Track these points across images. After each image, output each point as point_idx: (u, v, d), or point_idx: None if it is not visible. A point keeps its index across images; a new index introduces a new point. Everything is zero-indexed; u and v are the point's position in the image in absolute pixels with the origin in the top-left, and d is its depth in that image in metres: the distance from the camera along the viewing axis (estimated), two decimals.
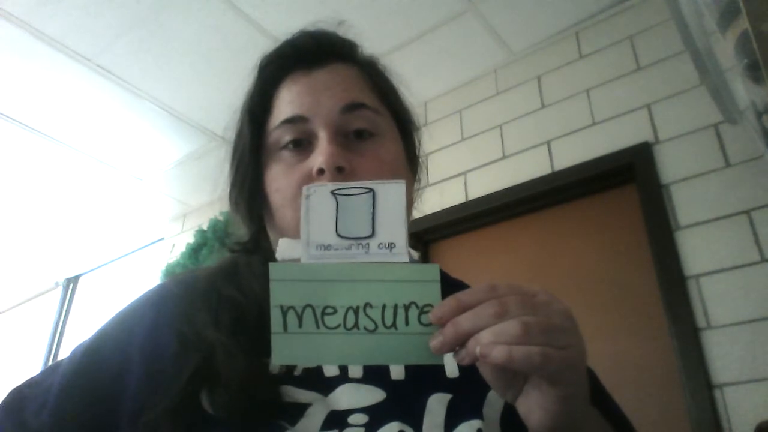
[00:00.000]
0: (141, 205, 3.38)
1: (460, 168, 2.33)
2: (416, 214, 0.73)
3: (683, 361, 1.58)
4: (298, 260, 0.46)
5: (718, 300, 1.61)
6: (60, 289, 4.05)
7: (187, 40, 2.25)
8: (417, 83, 2.44)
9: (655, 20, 2.05)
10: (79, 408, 0.54)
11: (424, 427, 0.53)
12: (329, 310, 0.44)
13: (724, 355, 1.54)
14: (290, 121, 0.62)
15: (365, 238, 0.45)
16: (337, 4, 2.06)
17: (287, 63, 0.66)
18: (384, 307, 0.44)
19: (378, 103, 0.65)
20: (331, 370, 0.56)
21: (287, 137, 0.62)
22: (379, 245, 0.45)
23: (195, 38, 2.25)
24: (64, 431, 0.53)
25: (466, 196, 2.26)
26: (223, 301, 0.59)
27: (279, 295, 0.44)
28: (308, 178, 0.58)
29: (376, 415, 0.53)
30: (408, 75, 0.74)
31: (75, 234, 3.62)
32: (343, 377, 0.55)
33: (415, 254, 0.49)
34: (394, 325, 0.44)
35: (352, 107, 0.62)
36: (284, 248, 0.53)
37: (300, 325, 0.43)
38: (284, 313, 0.43)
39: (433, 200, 2.24)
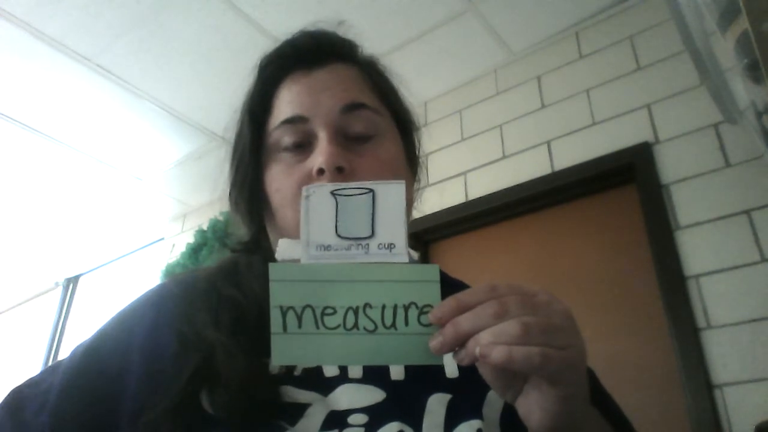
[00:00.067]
0: (141, 205, 3.38)
1: (460, 168, 2.33)
2: (416, 214, 0.73)
3: (683, 361, 1.58)
4: (297, 260, 0.46)
5: (718, 300, 1.61)
6: (60, 289, 4.05)
7: (187, 40, 2.25)
8: (417, 83, 2.44)
9: (655, 20, 2.05)
10: (79, 408, 0.54)
11: (423, 427, 0.53)
12: (329, 311, 0.44)
13: (724, 355, 1.54)
14: (290, 121, 0.62)
15: (365, 238, 0.45)
16: (337, 4, 2.06)
17: (287, 63, 0.66)
18: (384, 307, 0.44)
19: (378, 103, 0.65)
20: (330, 371, 0.56)
21: (287, 137, 0.62)
22: (378, 245, 0.45)
23: (195, 38, 2.25)
24: (64, 431, 0.53)
25: (466, 196, 2.26)
26: (223, 301, 0.59)
27: (279, 295, 0.44)
28: (308, 178, 0.58)
29: (376, 415, 0.53)
30: (408, 75, 0.74)
31: (75, 234, 3.62)
32: (342, 377, 0.55)
33: (415, 254, 0.49)
34: (393, 325, 0.44)
35: (352, 107, 0.62)
36: (284, 248, 0.53)
37: (300, 326, 0.43)
38: (284, 314, 0.44)
39: (433, 200, 2.24)
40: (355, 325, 0.44)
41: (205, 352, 0.53)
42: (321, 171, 0.57)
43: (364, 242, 0.45)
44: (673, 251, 1.71)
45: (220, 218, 2.81)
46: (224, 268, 0.65)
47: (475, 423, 0.54)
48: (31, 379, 0.59)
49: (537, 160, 2.14)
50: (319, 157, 0.58)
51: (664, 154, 1.87)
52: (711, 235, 1.69)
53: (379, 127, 0.63)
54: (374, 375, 0.56)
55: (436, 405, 0.54)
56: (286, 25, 0.69)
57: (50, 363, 3.43)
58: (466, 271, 0.79)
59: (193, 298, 0.59)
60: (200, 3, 2.10)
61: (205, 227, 2.90)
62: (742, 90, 1.41)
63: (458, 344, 0.42)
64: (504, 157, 2.24)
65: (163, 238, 3.49)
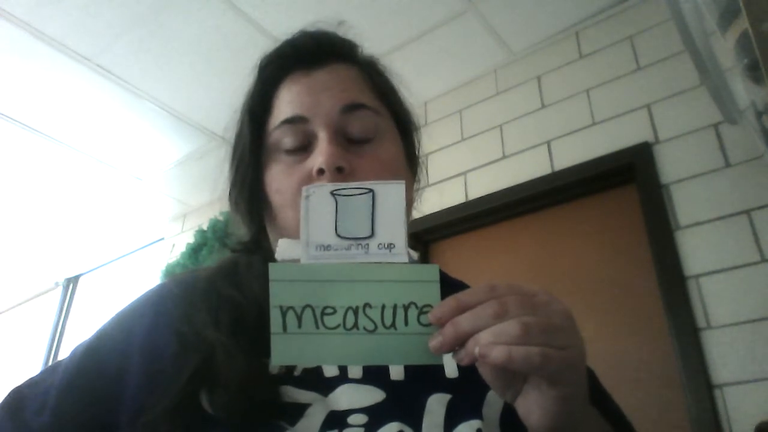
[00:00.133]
0: (141, 205, 3.38)
1: (460, 168, 2.33)
2: (416, 214, 0.73)
3: (683, 361, 1.58)
4: (297, 260, 0.46)
5: (718, 300, 1.61)
6: (60, 289, 4.05)
7: (187, 40, 2.25)
8: (417, 83, 2.44)
9: (655, 20, 2.05)
10: (78, 408, 0.54)
11: (423, 427, 0.53)
12: (329, 311, 0.44)
13: (724, 355, 1.54)
14: (290, 121, 0.62)
15: (365, 238, 0.45)
16: (337, 4, 2.06)
17: (287, 63, 0.66)
18: (383, 307, 0.44)
19: (378, 104, 0.65)
20: (330, 371, 0.56)
21: (287, 137, 0.62)
22: (378, 245, 0.45)
23: (195, 38, 2.25)
24: (63, 431, 0.53)
25: (466, 196, 2.26)
26: (223, 302, 0.59)
27: (278, 295, 0.44)
28: (308, 179, 0.58)
29: (376, 415, 0.53)
30: (408, 75, 0.74)
31: (75, 234, 3.62)
32: (342, 377, 0.55)
33: (415, 254, 0.49)
34: (393, 325, 0.44)
35: (351, 107, 0.62)
36: (284, 248, 0.53)
37: (299, 326, 0.43)
38: (284, 314, 0.44)
39: (433, 200, 2.24)
40: (355, 325, 0.44)
41: (204, 352, 0.53)
42: (321, 171, 0.57)
43: (363, 242, 0.45)
44: (673, 251, 1.71)
45: (220, 218, 2.81)
46: (224, 268, 0.65)
47: (475, 423, 0.54)
48: (31, 379, 0.59)
49: (537, 160, 2.14)
50: (319, 158, 0.58)
51: (664, 154, 1.87)
52: (711, 235, 1.69)
53: (378, 127, 0.63)
54: (374, 375, 0.56)
55: (436, 405, 0.54)
56: (286, 25, 0.69)
57: (50, 363, 3.42)
58: (466, 271, 0.79)
59: (193, 298, 0.59)
60: (200, 3, 2.10)
61: (205, 227, 2.90)
62: (742, 90, 1.41)
63: (458, 344, 0.42)
64: (504, 157, 2.24)
65: (163, 238, 3.49)
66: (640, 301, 1.78)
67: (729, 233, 1.66)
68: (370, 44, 0.72)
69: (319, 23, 0.70)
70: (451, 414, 0.54)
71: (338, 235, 0.45)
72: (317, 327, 0.43)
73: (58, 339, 3.85)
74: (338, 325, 0.44)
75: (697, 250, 1.69)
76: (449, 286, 0.53)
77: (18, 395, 0.57)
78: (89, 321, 3.68)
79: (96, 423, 0.53)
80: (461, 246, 2.28)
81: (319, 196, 0.46)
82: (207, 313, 0.57)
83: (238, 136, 0.67)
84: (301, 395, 0.53)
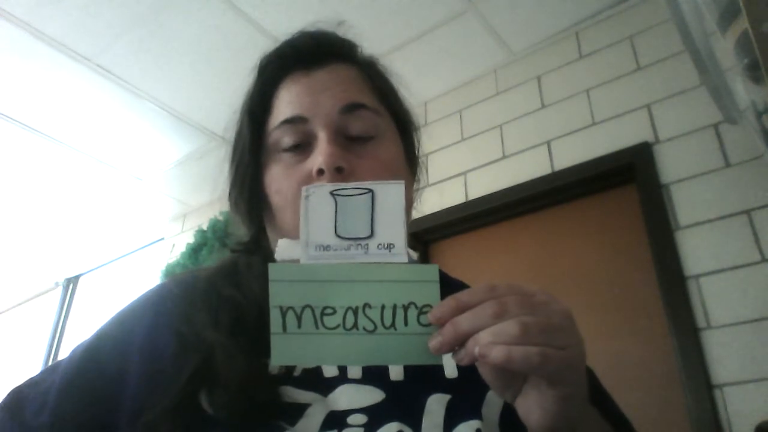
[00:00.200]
0: (141, 205, 3.38)
1: (460, 168, 2.33)
2: (416, 214, 0.73)
3: (683, 361, 1.58)
4: (297, 261, 0.46)
5: (718, 300, 1.61)
6: (60, 289, 4.05)
7: (187, 40, 2.25)
8: (417, 83, 2.44)
9: (655, 20, 2.05)
10: (78, 408, 0.54)
11: (423, 427, 0.53)
12: (328, 311, 0.44)
13: (724, 355, 1.54)
14: (290, 122, 0.62)
15: (364, 238, 0.45)
16: (337, 4, 2.06)
17: (287, 63, 0.66)
18: (383, 307, 0.44)
19: (377, 104, 0.65)
20: (330, 371, 0.56)
21: (287, 138, 0.62)
22: (378, 246, 0.45)
23: (195, 38, 2.25)
24: (63, 431, 0.53)
25: (466, 196, 2.26)
26: (222, 302, 0.59)
27: (278, 295, 0.44)
28: (308, 179, 0.58)
29: (376, 415, 0.53)
30: (408, 75, 0.74)
31: (75, 234, 3.62)
32: (342, 378, 0.55)
33: (414, 255, 0.49)
34: (393, 325, 0.44)
35: (351, 107, 0.62)
36: (283, 249, 0.53)
37: (299, 326, 0.43)
38: (283, 314, 0.44)
39: (433, 200, 2.24)
40: (355, 325, 0.44)
41: (204, 352, 0.53)
42: (321, 171, 0.57)
43: (363, 242, 0.45)
44: (673, 251, 1.71)
45: (220, 218, 2.81)
46: (224, 268, 0.65)
47: (475, 423, 0.54)
48: (31, 379, 0.59)
49: (537, 160, 2.14)
50: (318, 158, 0.58)
51: (664, 154, 1.87)
52: (711, 235, 1.69)
53: (378, 127, 0.63)
54: (373, 375, 0.56)
55: (436, 405, 0.54)
56: (286, 25, 0.69)
57: (50, 363, 3.42)
58: (466, 271, 0.79)
59: (193, 299, 0.59)
60: (200, 3, 2.10)
61: (205, 227, 2.90)
62: (742, 90, 1.41)
63: (457, 344, 0.42)
64: (504, 157, 2.24)
65: (163, 238, 3.49)
66: (640, 301, 1.78)
67: (729, 233, 1.66)
68: (370, 44, 0.72)
69: (319, 23, 0.70)
70: (450, 414, 0.54)
71: (338, 236, 0.45)
72: (317, 327, 0.43)
73: (58, 339, 3.85)
74: (338, 326, 0.44)
75: (697, 250, 1.69)
76: (449, 286, 0.53)
77: (18, 395, 0.57)
78: (89, 321, 3.68)
79: (96, 423, 0.53)
80: (461, 246, 2.28)
81: (319, 196, 0.46)
82: (207, 313, 0.57)
83: (238, 136, 0.67)
84: (301, 395, 0.53)
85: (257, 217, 0.65)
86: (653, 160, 1.87)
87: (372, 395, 0.54)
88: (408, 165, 0.69)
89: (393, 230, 0.45)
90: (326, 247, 0.45)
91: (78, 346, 0.59)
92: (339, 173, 0.57)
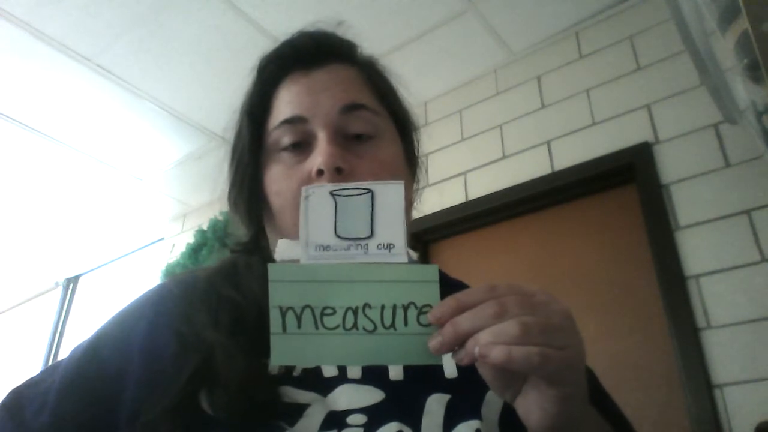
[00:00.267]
0: (141, 205, 3.38)
1: (460, 168, 2.33)
2: (416, 214, 0.73)
3: (683, 361, 1.58)
4: (297, 261, 0.46)
5: (718, 300, 1.61)
6: (60, 289, 4.05)
7: (187, 40, 2.25)
8: (417, 83, 2.44)
9: (655, 20, 2.05)
10: (78, 408, 0.54)
11: (422, 427, 0.53)
12: (328, 311, 0.44)
13: (724, 355, 1.54)
14: (289, 122, 0.62)
15: (364, 238, 0.45)
16: (337, 4, 2.06)
17: (286, 63, 0.66)
18: (383, 307, 0.44)
19: (377, 104, 0.65)
20: (329, 371, 0.56)
21: (286, 138, 0.62)
22: (378, 246, 0.45)
23: (195, 38, 2.25)
24: (63, 431, 0.53)
25: (466, 196, 2.26)
26: (222, 302, 0.59)
27: (278, 295, 0.44)
28: (307, 179, 0.58)
29: (375, 415, 0.53)
30: (408, 75, 0.74)
31: (75, 234, 3.62)
32: (341, 378, 0.55)
33: (414, 255, 0.50)
34: (393, 325, 0.44)
35: (351, 108, 0.62)
36: (283, 249, 0.53)
37: (299, 326, 0.43)
38: (283, 314, 0.44)
39: (433, 200, 2.24)
40: (355, 326, 0.44)
41: (204, 352, 0.53)
42: (320, 172, 0.57)
43: (363, 242, 0.45)
44: (673, 251, 1.71)
45: (220, 218, 2.81)
46: (224, 268, 0.65)
47: (474, 423, 0.54)
48: (30, 379, 0.59)
49: (537, 160, 2.14)
50: (318, 158, 0.58)
51: (664, 154, 1.87)
52: (711, 235, 1.69)
53: (378, 127, 0.63)
54: (373, 375, 0.56)
55: (435, 405, 0.54)
56: (286, 25, 0.69)
57: (50, 363, 3.43)
58: (466, 271, 0.79)
59: (193, 299, 0.59)
60: (200, 3, 2.10)
61: (205, 227, 2.90)
62: (742, 90, 1.41)
63: (457, 344, 0.42)
64: (504, 157, 2.24)
65: (163, 238, 3.49)
66: (640, 301, 1.78)
67: (729, 233, 1.66)
68: (370, 44, 0.72)
69: (319, 23, 0.70)
70: (450, 414, 0.54)
71: (337, 236, 0.45)
72: (317, 327, 0.43)
73: (58, 339, 3.85)
74: (338, 326, 0.44)
75: (697, 250, 1.69)
76: (449, 286, 0.53)
77: (18, 395, 0.57)
78: (89, 321, 3.68)
79: (95, 423, 0.53)
80: (461, 246, 2.28)
81: (319, 197, 0.46)
82: (207, 313, 0.57)
83: (238, 137, 0.67)
84: (301, 395, 0.53)
85: (257, 218, 0.65)
86: (653, 160, 1.87)
87: (372, 395, 0.54)
88: (408, 165, 0.69)
89: (393, 230, 0.45)
90: (326, 248, 0.45)
91: (78, 346, 0.59)
92: (339, 173, 0.57)
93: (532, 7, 2.15)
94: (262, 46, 0.69)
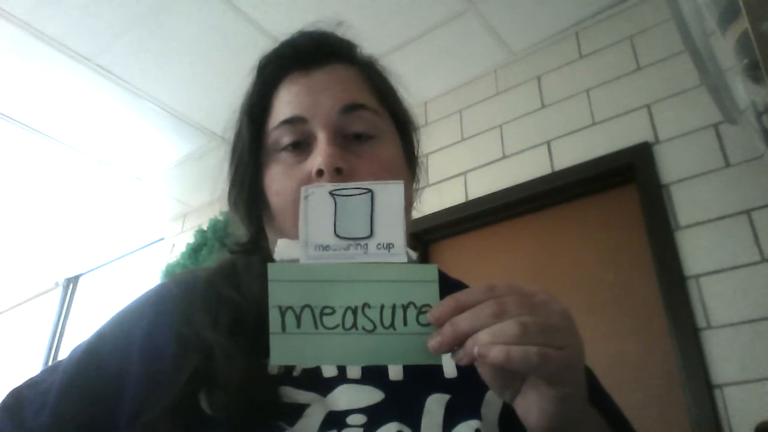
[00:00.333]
0: (141, 205, 3.38)
1: (460, 168, 2.33)
2: (416, 214, 0.73)
3: (683, 361, 1.58)
4: (296, 261, 0.46)
5: (718, 300, 1.61)
6: (60, 289, 4.05)
7: (187, 40, 2.25)
8: (417, 83, 2.44)
9: (655, 20, 2.05)
10: (78, 408, 0.54)
11: (422, 427, 0.53)
12: (328, 311, 0.44)
13: (724, 355, 1.54)
14: (289, 122, 0.61)
15: (364, 238, 0.45)
16: (337, 4, 2.06)
17: (286, 63, 0.66)
18: (382, 307, 0.44)
19: (377, 104, 0.65)
20: (329, 371, 0.56)
21: (286, 138, 0.62)
22: (377, 246, 0.45)
23: (195, 38, 2.25)
24: (63, 431, 0.53)
25: (466, 196, 2.26)
26: (222, 302, 0.59)
27: (277, 295, 0.44)
28: (307, 179, 0.58)
29: (375, 415, 0.53)
30: (408, 75, 0.74)
31: (75, 234, 3.62)
32: (341, 378, 0.55)
33: (414, 254, 0.50)
34: (392, 325, 0.44)
35: (351, 108, 0.62)
36: (283, 249, 0.53)
37: (298, 326, 0.43)
38: (282, 314, 0.44)
39: (433, 200, 2.24)
40: (354, 325, 0.44)
41: (204, 352, 0.53)
42: (320, 172, 0.57)
43: (362, 242, 0.45)
44: (673, 251, 1.71)
45: (220, 218, 2.81)
46: (223, 268, 0.65)
47: (474, 423, 0.54)
48: (30, 379, 0.59)
49: (537, 160, 2.14)
50: (318, 158, 0.58)
51: (664, 154, 1.87)
52: (711, 235, 1.69)
53: (378, 127, 0.63)
54: (373, 375, 0.56)
55: (435, 405, 0.55)
56: (286, 25, 0.69)
57: (50, 363, 3.43)
58: (466, 272, 0.79)
59: (193, 299, 0.59)
60: (200, 3, 2.10)
61: (205, 227, 2.90)
62: (742, 90, 1.41)
63: (457, 344, 0.42)
64: (504, 157, 2.24)
65: (163, 238, 3.49)
66: (640, 301, 1.77)
67: (729, 233, 1.66)
68: (370, 44, 0.72)
69: (319, 23, 0.70)
70: (449, 414, 0.54)
71: (337, 235, 0.45)
72: (316, 327, 0.43)
73: (58, 339, 3.85)
74: (337, 325, 0.44)
75: (697, 250, 1.69)
76: (448, 286, 0.53)
77: (18, 395, 0.57)
78: (89, 321, 3.68)
79: (95, 423, 0.53)
80: (461, 246, 2.28)
81: (318, 197, 0.46)
82: (206, 313, 0.57)
83: (237, 137, 0.67)
84: (300, 395, 0.53)
85: (256, 218, 0.65)
86: (653, 160, 1.87)
87: (371, 395, 0.54)
88: (407, 165, 0.69)
89: (392, 230, 0.45)
90: (325, 247, 0.45)
91: (78, 346, 0.59)
92: (338, 174, 0.57)
93: (532, 7, 2.15)
94: (262, 46, 0.69)
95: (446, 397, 0.55)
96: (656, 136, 1.91)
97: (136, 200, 3.32)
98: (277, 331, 0.43)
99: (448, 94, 2.53)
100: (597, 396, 0.60)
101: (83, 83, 2.45)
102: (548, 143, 2.15)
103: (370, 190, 0.46)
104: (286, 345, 0.43)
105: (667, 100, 1.93)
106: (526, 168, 2.15)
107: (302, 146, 0.61)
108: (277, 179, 0.62)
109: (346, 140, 0.61)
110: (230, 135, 0.69)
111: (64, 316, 3.93)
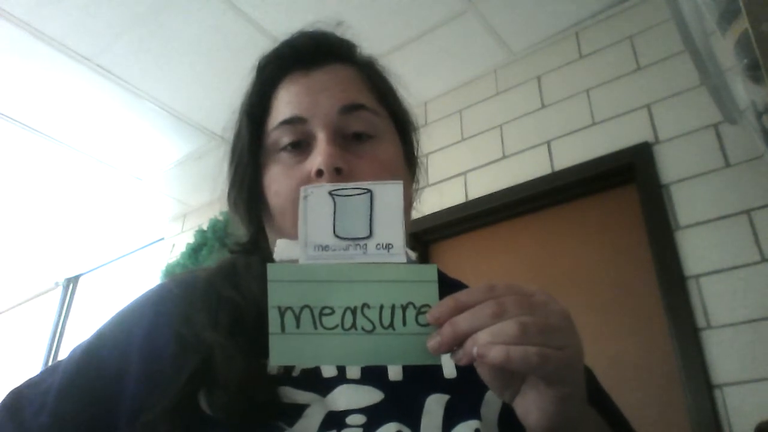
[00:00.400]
0: (141, 205, 3.38)
1: (460, 168, 2.33)
2: (416, 214, 0.73)
3: (683, 361, 1.58)
4: (296, 261, 0.46)
5: (718, 300, 1.61)
6: (60, 289, 4.05)
7: (187, 40, 2.25)
8: (417, 83, 2.44)
9: (655, 20, 2.05)
10: (78, 408, 0.54)
11: (422, 427, 0.53)
12: (327, 311, 0.44)
13: (724, 355, 1.54)
14: (289, 122, 0.61)
15: (363, 238, 0.45)
16: (337, 4, 2.06)
17: (286, 64, 0.66)
18: (382, 307, 0.44)
19: (376, 104, 0.65)
20: (329, 371, 0.56)
21: (286, 138, 0.62)
22: (376, 246, 0.45)
23: (195, 38, 2.25)
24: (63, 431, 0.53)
25: (466, 196, 2.26)
26: (222, 302, 0.59)
27: (277, 295, 0.44)
28: (307, 180, 0.58)
29: (374, 415, 0.53)
30: (408, 75, 0.74)
31: (75, 234, 3.62)
32: (341, 378, 0.55)
33: (413, 255, 0.49)
34: (391, 325, 0.44)
35: (350, 108, 0.62)
36: (282, 249, 0.53)
37: (298, 326, 0.43)
38: (282, 314, 0.44)
39: (433, 200, 2.24)
40: (353, 326, 0.44)
41: (203, 353, 0.53)
42: (320, 172, 0.57)
43: (362, 242, 0.45)
44: (673, 251, 1.71)
45: (220, 218, 2.81)
46: (223, 268, 0.65)
47: (473, 423, 0.54)
48: (30, 379, 0.59)
49: (537, 160, 2.14)
50: (317, 158, 0.58)
51: (664, 154, 1.87)
52: (711, 235, 1.69)
53: (377, 127, 0.63)
54: (372, 375, 0.56)
55: (434, 405, 0.54)
56: (286, 25, 0.69)
57: (50, 363, 3.43)
58: (465, 272, 0.79)
59: (193, 299, 0.59)
60: (200, 3, 2.10)
61: (205, 227, 2.90)
62: (742, 90, 1.41)
63: (456, 344, 0.42)
64: (504, 157, 2.24)
65: (163, 238, 3.49)
66: (640, 301, 1.77)
67: (729, 233, 1.66)
68: (369, 44, 0.72)
69: (319, 23, 0.70)
70: (449, 414, 0.54)
71: (336, 236, 0.45)
72: (315, 327, 0.43)
73: (58, 339, 3.85)
74: (336, 326, 0.44)
75: (697, 250, 1.69)
76: (448, 286, 0.53)
77: (17, 396, 0.57)
78: (89, 321, 3.68)
79: (95, 423, 0.53)
80: (461, 246, 2.28)
81: (318, 197, 0.46)
82: (206, 313, 0.57)
83: (237, 137, 0.67)
84: (300, 396, 0.53)
85: (256, 218, 0.65)
86: (653, 160, 1.87)
87: (371, 395, 0.54)
88: (407, 165, 0.69)
89: (391, 230, 0.45)
90: (325, 248, 0.45)
91: (78, 347, 0.59)
92: (338, 174, 0.57)
93: (532, 7, 2.15)
94: (262, 46, 0.69)
95: (446, 397, 0.55)
96: (656, 136, 1.91)
97: (136, 200, 3.32)
98: (276, 332, 0.43)
99: (448, 94, 2.53)
100: (597, 396, 0.60)
101: (83, 83, 2.45)
102: (548, 143, 2.15)
103: (369, 191, 0.46)
104: (286, 345, 0.43)
105: (667, 100, 1.93)
106: (526, 168, 2.15)
107: (302, 146, 0.61)
108: (277, 179, 0.62)
109: (346, 140, 0.61)
110: (230, 135, 0.69)
111: (64, 316, 3.93)
